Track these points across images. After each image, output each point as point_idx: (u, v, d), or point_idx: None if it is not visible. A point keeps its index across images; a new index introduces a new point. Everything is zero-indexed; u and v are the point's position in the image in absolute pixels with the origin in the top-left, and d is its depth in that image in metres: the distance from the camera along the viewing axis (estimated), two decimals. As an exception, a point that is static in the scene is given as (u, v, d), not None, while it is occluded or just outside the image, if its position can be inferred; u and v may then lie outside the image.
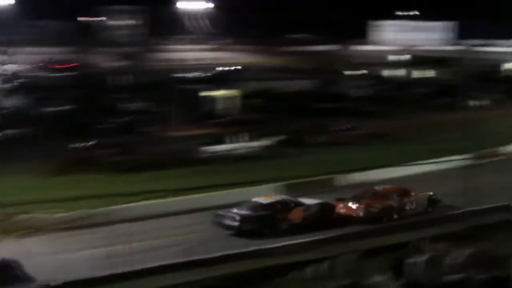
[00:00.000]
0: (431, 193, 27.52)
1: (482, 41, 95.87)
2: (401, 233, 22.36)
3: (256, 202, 24.86)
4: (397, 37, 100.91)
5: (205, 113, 49.87)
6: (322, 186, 30.97)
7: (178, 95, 41.78)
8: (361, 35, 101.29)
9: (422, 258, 13.32)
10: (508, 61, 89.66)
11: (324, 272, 19.46)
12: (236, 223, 23.75)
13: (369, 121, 48.71)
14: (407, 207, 26.27)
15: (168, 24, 73.99)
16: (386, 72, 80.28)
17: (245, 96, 54.52)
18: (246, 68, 70.46)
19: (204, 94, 53.32)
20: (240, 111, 52.18)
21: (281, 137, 42.01)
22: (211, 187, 27.03)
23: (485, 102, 56.12)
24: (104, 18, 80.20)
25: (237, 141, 39.03)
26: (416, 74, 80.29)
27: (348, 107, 55.10)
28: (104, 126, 44.00)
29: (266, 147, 39.60)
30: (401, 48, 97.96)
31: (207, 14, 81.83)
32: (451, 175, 31.38)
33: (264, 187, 29.00)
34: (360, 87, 65.44)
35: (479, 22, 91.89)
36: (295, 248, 21.13)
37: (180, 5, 73.22)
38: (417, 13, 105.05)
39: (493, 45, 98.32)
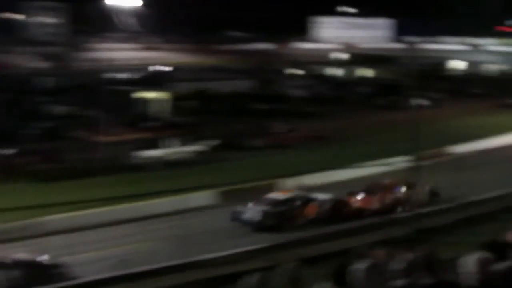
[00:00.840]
0: (432, 186, 29.85)
1: (423, 39, 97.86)
2: (343, 239, 22.65)
3: (273, 198, 27.06)
4: (337, 35, 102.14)
5: (136, 117, 49.35)
6: (262, 192, 31.12)
7: (107, 97, 41.29)
8: (300, 32, 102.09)
9: (364, 265, 13.60)
10: (451, 58, 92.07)
11: (265, 281, 19.54)
12: (258, 218, 25.81)
13: (310, 123, 49.19)
14: (414, 199, 28.05)
15: (95, 22, 73.06)
16: (327, 71, 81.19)
17: (179, 98, 54.26)
18: (180, 68, 70.00)
19: (135, 96, 52.83)
20: (173, 114, 51.89)
21: (218, 141, 42.02)
22: (143, 195, 26.85)
23: (428, 101, 57.35)
24: (25, 15, 78.70)
25: (171, 146, 38.86)
26: (357, 73, 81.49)
27: (287, 108, 55.45)
28: (27, 131, 43.14)
29: (202, 152, 39.55)
30: (342, 46, 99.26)
31: (137, 11, 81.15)
32: (395, 177, 31.96)
33: (201, 193, 29.06)
34: (300, 87, 65.98)
35: (419, 19, 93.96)
36: (238, 258, 21.15)
37: (108, 2, 72.39)
38: (356, 10, 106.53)
39: (435, 42, 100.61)
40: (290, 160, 38.07)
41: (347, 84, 70.91)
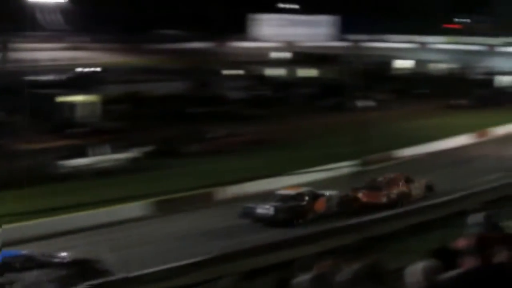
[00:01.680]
0: (428, 180, 32.34)
1: (368, 37, 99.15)
2: (287, 250, 22.77)
3: (283, 194, 29.03)
4: (278, 33, 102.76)
5: (62, 122, 48.76)
6: (200, 200, 31.11)
7: (30, 101, 40.58)
8: (239, 30, 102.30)
9: (308, 276, 13.72)
10: (398, 57, 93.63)
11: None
12: (270, 213, 27.71)
13: (250, 126, 49.32)
14: (414, 193, 31.16)
15: (15, 19, 71.78)
16: (267, 72, 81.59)
17: (109, 101, 53.78)
18: (109, 69, 69.49)
19: (60, 99, 52.12)
20: (103, 118, 51.41)
21: (151, 147, 41.75)
22: (70, 208, 26.50)
23: (374, 102, 58.24)
24: None
25: (101, 153, 38.42)
26: (299, 73, 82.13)
27: (226, 111, 55.48)
28: None
29: (134, 159, 39.23)
30: (283, 44, 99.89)
31: (61, 7, 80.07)
32: (340, 183, 32.35)
33: (133, 204, 28.84)
34: (239, 88, 66.11)
35: (364, 16, 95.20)
36: (178, 271, 21.09)
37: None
38: (298, 6, 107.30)
39: (381, 40, 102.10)
40: (229, 167, 38.08)
41: (289, 85, 71.35)
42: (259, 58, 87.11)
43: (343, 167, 35.85)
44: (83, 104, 52.31)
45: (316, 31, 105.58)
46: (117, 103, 54.83)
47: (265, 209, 28.09)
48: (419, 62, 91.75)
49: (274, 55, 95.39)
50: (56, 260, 21.08)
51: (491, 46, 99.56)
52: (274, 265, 21.58)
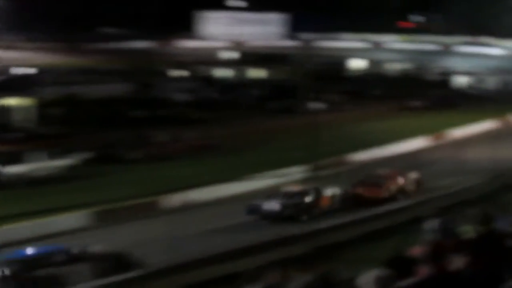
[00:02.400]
0: (417, 175, 34.79)
1: (320, 35, 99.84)
2: (233, 262, 22.70)
3: (289, 191, 31.02)
4: (226, 31, 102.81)
5: (-6, 127, 47.97)
6: (144, 209, 30.86)
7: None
8: (185, 29, 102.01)
9: (257, 289, 13.77)
10: (351, 57, 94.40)
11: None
12: (277, 209, 29.73)
13: (197, 130, 49.10)
14: (407, 187, 33.67)
15: None
16: (215, 72, 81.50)
17: (45, 105, 53.06)
18: (45, 71, 68.63)
19: (-8, 103, 51.29)
20: (39, 123, 50.69)
21: (91, 154, 41.27)
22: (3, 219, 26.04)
23: (326, 104, 58.52)
24: None
25: (37, 160, 37.84)
26: (249, 73, 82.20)
27: (171, 115, 55.19)
28: None
29: (73, 166, 38.72)
30: (231, 43, 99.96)
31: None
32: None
33: (71, 214, 28.46)
34: (185, 90, 65.83)
35: (316, 14, 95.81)
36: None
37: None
38: (247, 4, 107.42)
39: (333, 39, 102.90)
40: (174, 173, 37.88)
41: (238, 87, 71.31)
42: (206, 58, 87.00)
43: (295, 173, 35.93)
44: (18, 107, 51.48)
45: (265, 29, 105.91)
46: (54, 106, 54.12)
47: (271, 205, 30.05)
48: (373, 62, 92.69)
49: (221, 55, 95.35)
50: (92, 253, 22.33)
51: (447, 45, 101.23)
52: (220, 277, 21.53)
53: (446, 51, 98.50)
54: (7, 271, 20.37)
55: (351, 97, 67.94)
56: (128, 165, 40.04)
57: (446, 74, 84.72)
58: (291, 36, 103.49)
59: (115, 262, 22.06)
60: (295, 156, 36.80)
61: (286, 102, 59.03)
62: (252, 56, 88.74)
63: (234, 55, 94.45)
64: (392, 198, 32.35)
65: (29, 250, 22.11)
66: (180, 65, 78.98)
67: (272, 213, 29.91)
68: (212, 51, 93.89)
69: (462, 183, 34.50)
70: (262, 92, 68.34)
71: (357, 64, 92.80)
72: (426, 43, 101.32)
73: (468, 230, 11.47)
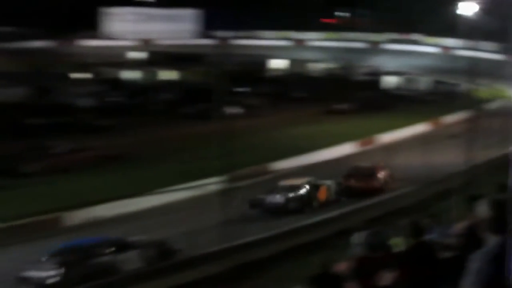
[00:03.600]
0: (389, 170, 38.23)
1: (237, 33, 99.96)
2: (139, 285, 22.53)
3: (290, 185, 34.40)
4: (133, 29, 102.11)
5: None
6: (40, 228, 30.30)
7: None
8: (87, 27, 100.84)
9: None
10: (271, 56, 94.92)
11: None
12: (281, 202, 33.17)
13: (101, 139, 48.62)
14: (388, 180, 37.50)
15: None
16: (121, 75, 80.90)
17: None
18: None
19: None
20: None
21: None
22: None
23: (244, 108, 58.67)
24: None
25: None
26: (159, 75, 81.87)
27: (73, 122, 54.54)
28: None
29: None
30: (139, 42, 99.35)
31: None
32: (210, 202, 32.31)
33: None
34: (88, 94, 65.20)
35: (232, 10, 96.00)
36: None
37: None
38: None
39: (251, 37, 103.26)
40: (75, 187, 37.30)
41: (147, 90, 71.02)
42: (112, 59, 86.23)
43: (210, 184, 35.83)
44: None
45: (176, 27, 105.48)
46: None
47: (275, 199, 33.45)
48: (295, 62, 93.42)
49: (128, 55, 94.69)
50: (139, 242, 25.38)
51: (375, 43, 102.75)
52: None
53: (375, 49, 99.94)
54: (64, 260, 23.23)
55: (272, 100, 68.33)
56: (23, 179, 39.22)
57: (375, 74, 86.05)
58: (205, 34, 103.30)
59: (159, 250, 25.51)
60: (211, 165, 36.67)
61: (200, 106, 58.95)
62: (162, 56, 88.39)
63: (143, 55, 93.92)
64: (382, 189, 36.21)
65: (82, 240, 25.37)
66: (83, 67, 78.12)
67: (276, 206, 33.23)
68: (118, 51, 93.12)
69: (392, 192, 35.09)
70: (174, 96, 68.17)
71: (278, 64, 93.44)
72: (352, 41, 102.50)
73: (398, 243, 11.56)
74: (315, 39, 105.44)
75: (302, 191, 34.21)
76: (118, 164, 43.25)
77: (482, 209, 7.36)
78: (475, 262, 5.96)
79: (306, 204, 33.81)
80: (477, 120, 38.97)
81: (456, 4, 61.90)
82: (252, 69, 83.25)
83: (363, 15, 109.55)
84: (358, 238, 19.10)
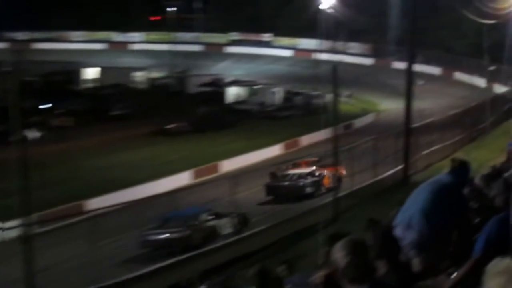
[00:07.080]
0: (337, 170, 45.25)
1: (38, 35, 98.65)
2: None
3: (303, 172, 45.15)
4: None
5: None
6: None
7: None
8: None
9: None
10: (84, 64, 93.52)
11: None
12: (300, 186, 43.31)
13: None
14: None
15: None
16: None
17: None
18: None
19: None
20: None
21: None
22: None
23: (49, 131, 57.71)
24: None
25: None
26: None
27: None
28: None
29: None
30: None
31: None
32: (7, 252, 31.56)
33: None
34: None
35: (26, 8, 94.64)
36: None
37: None
38: None
39: (54, 40, 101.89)
40: None
41: None
42: None
43: (6, 229, 35.02)
44: None
45: None
46: None
47: (292, 184, 43.57)
48: (114, 70, 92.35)
49: None
50: (227, 212, 36.06)
51: (216, 45, 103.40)
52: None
53: (215, 53, 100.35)
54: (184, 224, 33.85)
55: (86, 120, 67.48)
56: None
57: (216, 85, 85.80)
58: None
59: (241, 218, 36.22)
60: (6, 204, 35.84)
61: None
62: None
63: None
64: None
65: (185, 211, 36.13)
66: None
67: (294, 191, 43.10)
68: None
69: (238, 233, 35.30)
70: None
71: (92, 73, 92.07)
72: (187, 43, 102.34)
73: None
74: (138, 41, 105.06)
75: (313, 177, 44.11)
76: None
77: (340, 253, 7.14)
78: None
79: (319, 189, 43.66)
80: (344, 140, 39.86)
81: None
82: (59, 80, 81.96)
83: (201, 11, 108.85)
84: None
